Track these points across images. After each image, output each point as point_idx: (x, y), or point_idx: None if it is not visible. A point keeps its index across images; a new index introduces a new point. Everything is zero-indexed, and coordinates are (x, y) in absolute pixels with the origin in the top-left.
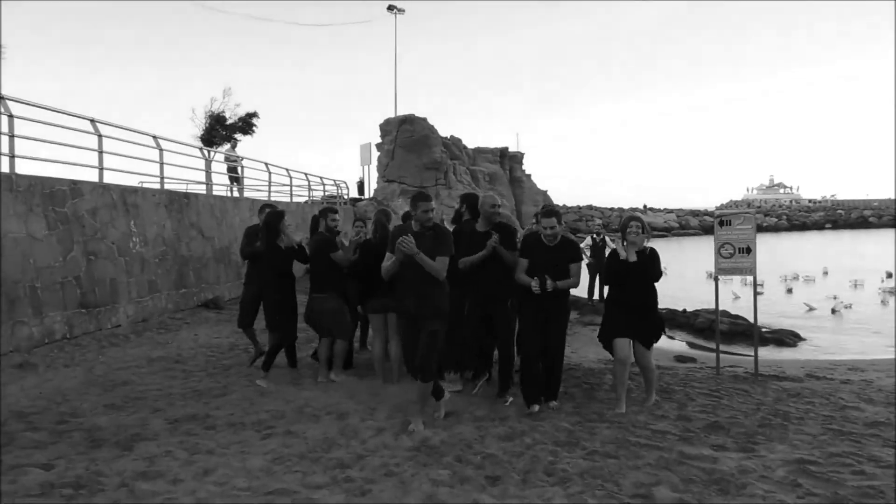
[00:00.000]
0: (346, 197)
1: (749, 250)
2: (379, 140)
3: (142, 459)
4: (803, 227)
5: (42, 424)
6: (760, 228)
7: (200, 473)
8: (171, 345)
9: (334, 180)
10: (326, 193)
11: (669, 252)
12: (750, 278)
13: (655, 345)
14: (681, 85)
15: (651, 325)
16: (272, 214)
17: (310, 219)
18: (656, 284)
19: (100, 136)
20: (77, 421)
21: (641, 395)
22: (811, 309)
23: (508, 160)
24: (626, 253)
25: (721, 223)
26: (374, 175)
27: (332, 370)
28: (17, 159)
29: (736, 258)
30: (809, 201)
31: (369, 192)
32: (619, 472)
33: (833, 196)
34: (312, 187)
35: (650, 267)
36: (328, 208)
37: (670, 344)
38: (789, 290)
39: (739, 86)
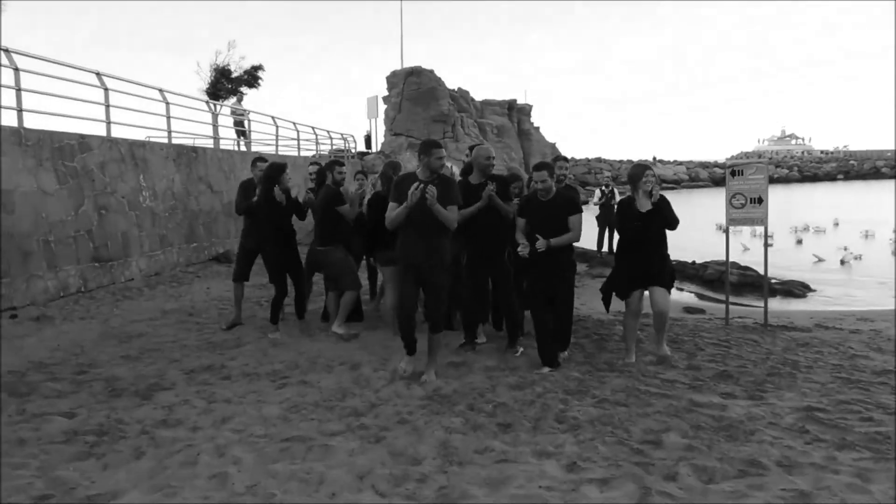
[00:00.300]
0: (353, 150)
1: (761, 200)
2: (386, 93)
3: (161, 408)
4: (815, 178)
5: (62, 375)
6: (771, 180)
7: (219, 421)
8: (183, 298)
9: (342, 134)
10: (334, 147)
11: (679, 204)
12: (759, 230)
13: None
14: (691, 32)
15: (669, 270)
16: (273, 167)
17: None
18: (670, 232)
19: (106, 89)
20: (96, 371)
21: (651, 346)
22: (820, 260)
23: (517, 112)
24: (640, 202)
25: (733, 173)
26: (382, 128)
27: (335, 321)
28: (24, 113)
29: (748, 208)
30: (821, 152)
31: (376, 145)
32: (628, 420)
33: (845, 147)
34: (320, 141)
35: (668, 213)
36: (335, 161)
37: (679, 295)
38: (799, 242)
39: (751, 33)
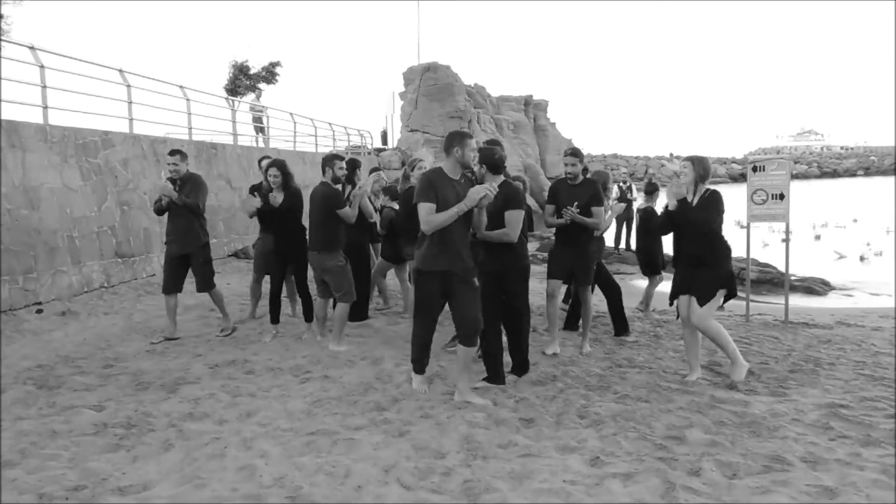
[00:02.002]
0: (370, 147)
1: (782, 196)
2: (402, 89)
3: (187, 402)
4: (834, 174)
5: (89, 368)
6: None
7: (244, 415)
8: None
9: (358, 130)
10: (351, 143)
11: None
12: (776, 226)
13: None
14: (709, 27)
15: (704, 278)
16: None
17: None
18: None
19: (128, 86)
20: (122, 365)
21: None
22: (841, 257)
23: (533, 108)
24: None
25: (754, 169)
26: (398, 124)
27: (334, 339)
28: (49, 110)
29: (769, 204)
30: (841, 148)
31: (393, 141)
32: (651, 416)
33: (865, 142)
34: (337, 137)
35: (701, 212)
36: (334, 155)
37: None
38: (817, 237)
39: (769, 27)
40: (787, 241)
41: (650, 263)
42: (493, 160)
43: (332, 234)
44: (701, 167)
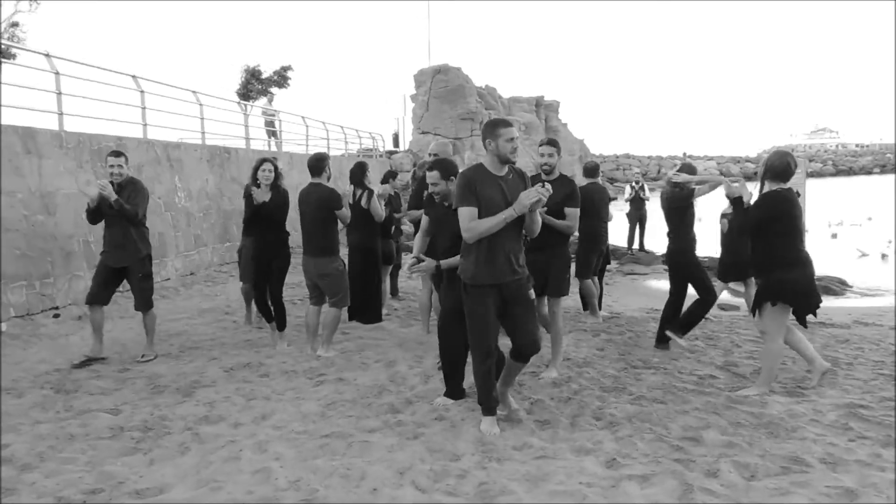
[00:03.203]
0: (381, 149)
1: (798, 195)
2: (413, 91)
3: (202, 405)
4: (850, 172)
5: (105, 372)
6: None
7: (259, 418)
8: (219, 297)
9: (370, 133)
10: (363, 146)
11: (710, 199)
12: None
13: (691, 293)
14: (722, 27)
15: (765, 283)
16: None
17: (347, 171)
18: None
19: (142, 92)
20: (138, 369)
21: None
22: (864, 255)
23: (544, 109)
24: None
25: None
26: (409, 127)
27: (323, 344)
28: (64, 116)
29: None
30: (856, 145)
31: (404, 143)
32: (667, 417)
33: (881, 140)
34: (349, 140)
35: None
36: (325, 155)
37: None
38: (834, 236)
39: (782, 25)
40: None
41: (741, 269)
42: (591, 166)
43: (331, 237)
44: (764, 165)
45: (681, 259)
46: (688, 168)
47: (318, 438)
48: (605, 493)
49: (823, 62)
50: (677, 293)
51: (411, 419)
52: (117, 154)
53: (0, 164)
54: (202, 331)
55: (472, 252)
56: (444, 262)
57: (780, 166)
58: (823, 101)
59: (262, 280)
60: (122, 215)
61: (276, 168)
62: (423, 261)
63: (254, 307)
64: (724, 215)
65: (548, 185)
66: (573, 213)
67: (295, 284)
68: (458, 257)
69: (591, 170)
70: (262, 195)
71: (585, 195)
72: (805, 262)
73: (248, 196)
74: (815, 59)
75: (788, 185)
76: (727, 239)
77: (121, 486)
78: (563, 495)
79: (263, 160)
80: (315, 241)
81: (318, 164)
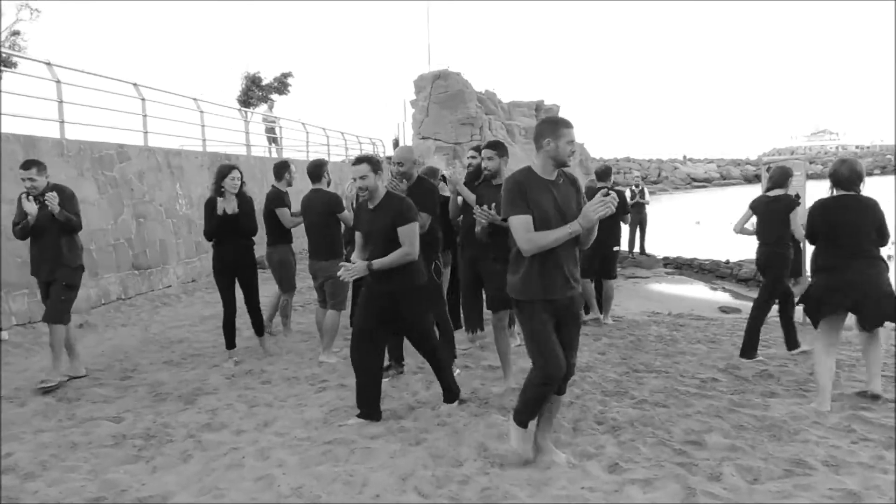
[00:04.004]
0: (382, 155)
1: (798, 197)
2: (413, 97)
3: (205, 412)
4: None
5: (108, 380)
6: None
7: (261, 424)
8: (220, 304)
9: (370, 138)
10: (363, 152)
11: (710, 202)
12: None
13: (699, 295)
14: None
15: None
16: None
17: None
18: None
19: (143, 99)
20: (140, 377)
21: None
22: None
23: (544, 113)
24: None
25: (769, 170)
26: (410, 132)
27: (324, 350)
28: (65, 125)
29: None
30: (857, 147)
31: None
32: (669, 421)
33: (882, 141)
34: (349, 146)
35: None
36: (231, 166)
37: (714, 295)
38: None
39: (781, 26)
40: (804, 242)
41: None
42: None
43: (336, 239)
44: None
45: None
46: (604, 171)
47: (321, 445)
48: (607, 497)
49: (824, 64)
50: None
51: (414, 425)
52: (28, 165)
53: (0, 173)
54: (204, 338)
55: (523, 265)
56: (377, 262)
57: (841, 172)
58: (824, 102)
59: (232, 296)
60: (66, 227)
61: (241, 175)
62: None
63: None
64: None
65: (613, 194)
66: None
67: (301, 290)
68: (390, 257)
69: (602, 173)
70: (231, 205)
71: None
72: (831, 269)
73: (210, 206)
74: (816, 60)
75: (791, 186)
76: None
77: (123, 494)
78: (565, 500)
79: (231, 167)
80: (320, 245)
81: (316, 170)
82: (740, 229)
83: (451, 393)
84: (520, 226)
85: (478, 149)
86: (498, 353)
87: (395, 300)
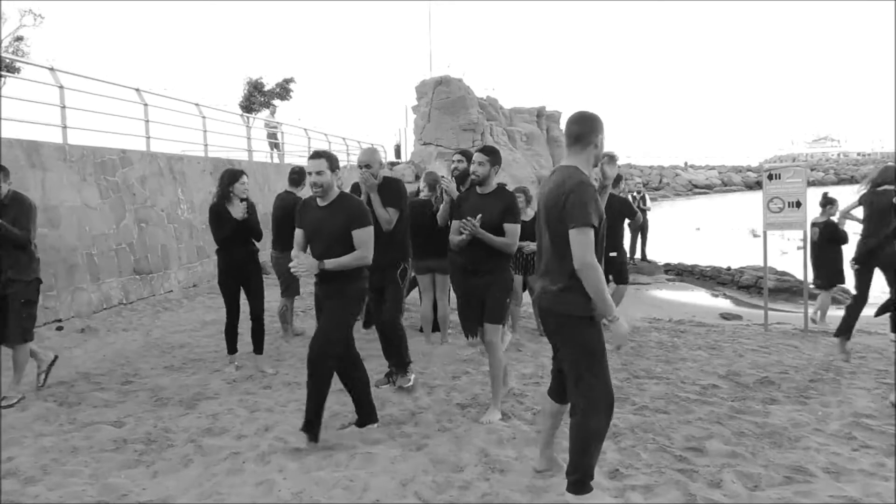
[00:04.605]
0: (384, 160)
1: (799, 204)
2: (415, 102)
3: (205, 417)
4: (852, 180)
5: (109, 385)
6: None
7: (262, 429)
8: (222, 309)
9: (372, 144)
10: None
11: (712, 208)
12: (789, 234)
13: (700, 302)
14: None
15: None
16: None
17: (350, 182)
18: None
19: (145, 105)
20: (141, 381)
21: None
22: None
23: (546, 119)
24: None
25: (770, 177)
26: (411, 137)
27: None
28: (68, 130)
29: (785, 212)
30: (858, 154)
31: (406, 154)
32: (670, 427)
33: (882, 148)
34: (351, 151)
35: None
36: (241, 171)
37: (715, 301)
38: None
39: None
40: (805, 248)
41: (833, 275)
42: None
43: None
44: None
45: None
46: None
47: (322, 450)
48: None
49: (825, 71)
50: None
51: (414, 430)
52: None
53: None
54: (205, 343)
55: (575, 278)
56: (330, 262)
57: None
58: (825, 110)
59: (237, 301)
60: (8, 241)
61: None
62: (466, 227)
63: (294, 321)
64: (814, 224)
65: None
66: (512, 228)
67: (301, 296)
68: (345, 259)
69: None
70: (241, 211)
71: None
72: None
73: (217, 213)
74: (817, 67)
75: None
76: (816, 247)
77: (124, 498)
78: None
79: (240, 172)
80: (288, 243)
81: (299, 176)
82: (844, 215)
83: (368, 415)
84: (589, 242)
85: (464, 153)
86: (490, 376)
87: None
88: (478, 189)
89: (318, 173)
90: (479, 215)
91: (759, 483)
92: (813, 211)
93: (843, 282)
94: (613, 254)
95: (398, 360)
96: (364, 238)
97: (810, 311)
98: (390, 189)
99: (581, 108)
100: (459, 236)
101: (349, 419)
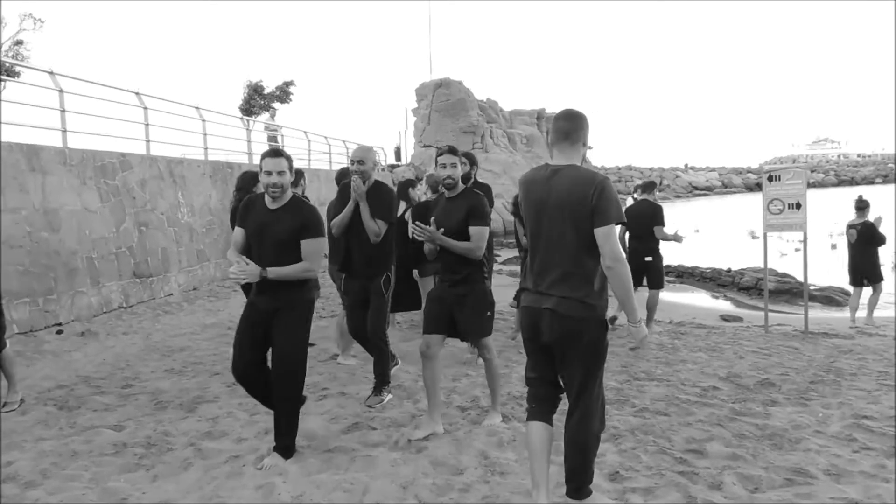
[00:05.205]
0: (384, 163)
1: (799, 206)
2: (415, 105)
3: (205, 420)
4: (852, 182)
5: (109, 388)
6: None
7: (262, 432)
8: (222, 312)
9: (372, 147)
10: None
11: (712, 210)
12: (787, 235)
13: (700, 304)
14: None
15: None
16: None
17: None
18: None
19: (145, 108)
20: (141, 385)
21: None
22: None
23: (546, 122)
24: None
25: (770, 178)
26: (411, 140)
27: (343, 351)
28: (68, 133)
29: (785, 214)
30: (858, 156)
31: (406, 157)
32: (670, 429)
33: (883, 150)
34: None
35: None
36: (254, 172)
37: (715, 303)
38: (833, 247)
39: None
40: (805, 250)
41: (872, 274)
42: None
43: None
44: None
45: None
46: (647, 185)
47: (322, 453)
48: None
49: (825, 73)
50: None
51: (414, 433)
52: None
53: (1, 182)
54: (205, 346)
55: (601, 279)
56: (273, 271)
57: None
58: (825, 111)
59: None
60: None
61: None
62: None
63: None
64: (851, 226)
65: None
66: (478, 232)
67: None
68: (290, 269)
69: (645, 186)
70: None
71: (635, 212)
72: None
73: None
74: (817, 69)
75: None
76: (853, 249)
77: (124, 502)
78: None
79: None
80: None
81: (340, 177)
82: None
83: (287, 447)
84: (617, 239)
85: (467, 155)
86: (488, 381)
87: (270, 319)
88: (446, 193)
89: (280, 173)
90: (433, 218)
91: (759, 485)
92: (813, 212)
93: (882, 279)
94: (649, 258)
95: (381, 374)
96: (314, 249)
97: (846, 313)
98: (380, 198)
99: (583, 111)
100: (429, 247)
101: (350, 422)
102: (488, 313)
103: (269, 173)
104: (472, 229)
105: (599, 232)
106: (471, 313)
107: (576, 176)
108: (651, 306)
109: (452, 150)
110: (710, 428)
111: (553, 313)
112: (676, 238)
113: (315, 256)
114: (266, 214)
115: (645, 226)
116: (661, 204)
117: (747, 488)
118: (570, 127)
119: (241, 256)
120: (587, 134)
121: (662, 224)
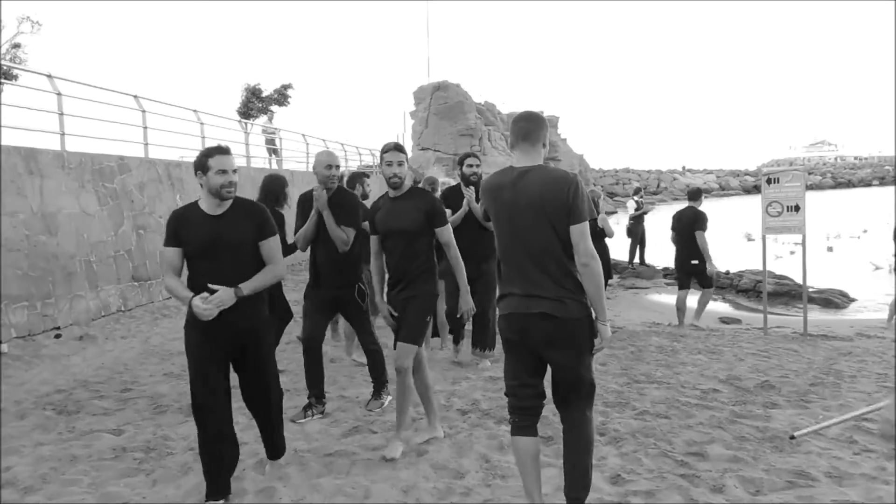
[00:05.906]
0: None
1: (798, 208)
2: (413, 108)
3: None
4: (849, 184)
5: (108, 393)
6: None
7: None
8: None
9: (370, 149)
10: (363, 163)
11: (709, 212)
12: (783, 237)
13: (698, 308)
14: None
15: None
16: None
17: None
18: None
19: (143, 111)
20: (140, 389)
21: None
22: (878, 268)
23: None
24: None
25: (769, 181)
26: (409, 143)
27: (356, 349)
28: (66, 137)
29: (784, 216)
30: (855, 158)
31: None
32: (671, 432)
33: (880, 152)
34: (349, 157)
35: None
36: (362, 172)
37: (714, 305)
38: (829, 249)
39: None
40: (804, 252)
41: None
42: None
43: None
44: None
45: None
46: (694, 192)
47: (322, 457)
48: None
49: (822, 75)
50: None
51: (415, 437)
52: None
53: (0, 185)
54: None
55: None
56: (247, 286)
57: None
58: (822, 113)
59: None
60: None
61: None
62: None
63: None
64: None
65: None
66: (446, 231)
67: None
68: (261, 279)
69: (692, 194)
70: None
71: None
72: None
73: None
74: (814, 71)
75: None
76: None
77: None
78: None
79: (282, 177)
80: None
81: (352, 179)
82: None
83: (275, 449)
84: (589, 235)
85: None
86: (420, 398)
87: (242, 338)
88: (390, 193)
89: (235, 171)
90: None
91: (760, 488)
92: (812, 214)
93: None
94: (695, 261)
95: (378, 378)
96: (275, 248)
97: (845, 315)
98: (344, 206)
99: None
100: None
101: (350, 426)
102: (428, 318)
103: (223, 172)
104: (440, 230)
105: (575, 229)
106: (411, 317)
107: (547, 176)
108: (703, 304)
109: (399, 148)
110: (710, 430)
111: (549, 317)
112: (710, 263)
113: (278, 256)
114: (212, 224)
115: (690, 231)
116: (704, 211)
117: (749, 491)
118: (529, 127)
119: (193, 289)
120: (546, 134)
121: (704, 229)
